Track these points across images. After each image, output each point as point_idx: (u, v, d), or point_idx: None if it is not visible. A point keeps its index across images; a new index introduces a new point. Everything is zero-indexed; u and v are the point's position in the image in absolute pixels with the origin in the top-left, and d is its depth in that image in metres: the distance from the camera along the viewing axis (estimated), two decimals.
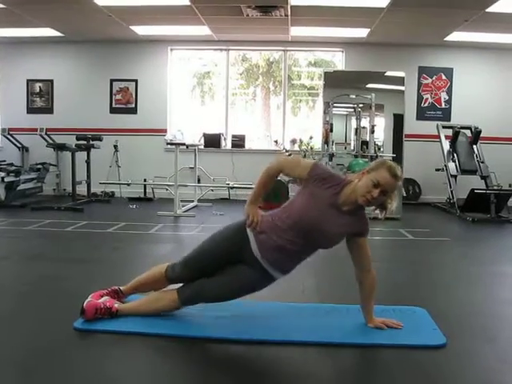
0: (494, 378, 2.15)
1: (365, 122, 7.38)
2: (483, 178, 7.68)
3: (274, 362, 2.30)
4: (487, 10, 6.40)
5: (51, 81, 9.02)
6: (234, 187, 8.06)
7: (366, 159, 6.91)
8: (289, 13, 6.89)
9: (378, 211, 2.59)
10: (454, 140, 7.87)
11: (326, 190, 2.50)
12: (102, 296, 2.73)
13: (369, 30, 7.64)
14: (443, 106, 8.79)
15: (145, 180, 8.40)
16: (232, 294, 2.59)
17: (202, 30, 7.98)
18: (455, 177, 7.67)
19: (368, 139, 7.24)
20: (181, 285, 2.67)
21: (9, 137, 8.67)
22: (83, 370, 2.15)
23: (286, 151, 8.31)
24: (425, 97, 8.79)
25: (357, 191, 2.47)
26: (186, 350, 2.42)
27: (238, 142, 8.85)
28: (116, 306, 2.66)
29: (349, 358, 2.38)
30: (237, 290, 2.58)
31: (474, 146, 7.91)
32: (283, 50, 9.07)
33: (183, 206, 7.09)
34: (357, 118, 7.47)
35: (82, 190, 8.00)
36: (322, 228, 2.47)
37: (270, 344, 2.44)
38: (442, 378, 2.16)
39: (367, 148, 7.23)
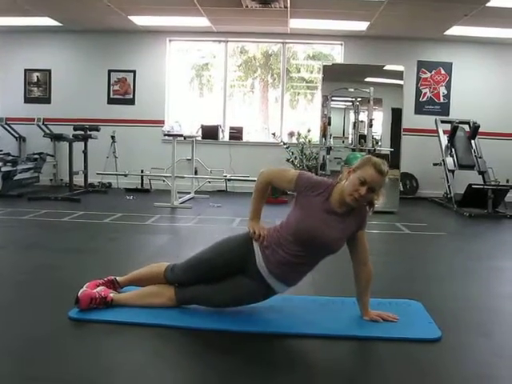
0: (489, 373, 2.15)
1: (363, 116, 7.35)
2: (481, 173, 7.67)
3: (268, 353, 2.29)
4: (487, 5, 6.38)
5: (49, 70, 8.96)
6: (231, 179, 8.08)
7: (364, 153, 6.90)
8: (288, 5, 6.86)
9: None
10: (452, 135, 7.85)
11: (315, 197, 2.51)
12: (97, 286, 2.73)
13: (368, 23, 7.61)
14: (442, 100, 8.78)
15: (142, 171, 8.39)
16: (229, 302, 2.62)
17: (201, 22, 7.94)
18: (453, 172, 7.67)
19: (366, 133, 7.23)
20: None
21: (6, 126, 8.62)
22: (78, 359, 2.15)
23: (284, 144, 8.31)
24: (423, 91, 8.77)
25: (344, 191, 2.47)
26: (182, 341, 2.42)
27: (236, 134, 8.82)
28: (111, 295, 2.66)
29: (344, 351, 2.38)
30: (234, 300, 2.60)
31: (472, 141, 7.91)
32: (282, 43, 9.03)
33: (180, 198, 7.08)
34: (355, 112, 7.45)
35: (78, 180, 7.96)
36: (322, 235, 2.47)
37: (266, 336, 2.44)
38: (436, 371, 2.17)
39: (365, 142, 7.23)
